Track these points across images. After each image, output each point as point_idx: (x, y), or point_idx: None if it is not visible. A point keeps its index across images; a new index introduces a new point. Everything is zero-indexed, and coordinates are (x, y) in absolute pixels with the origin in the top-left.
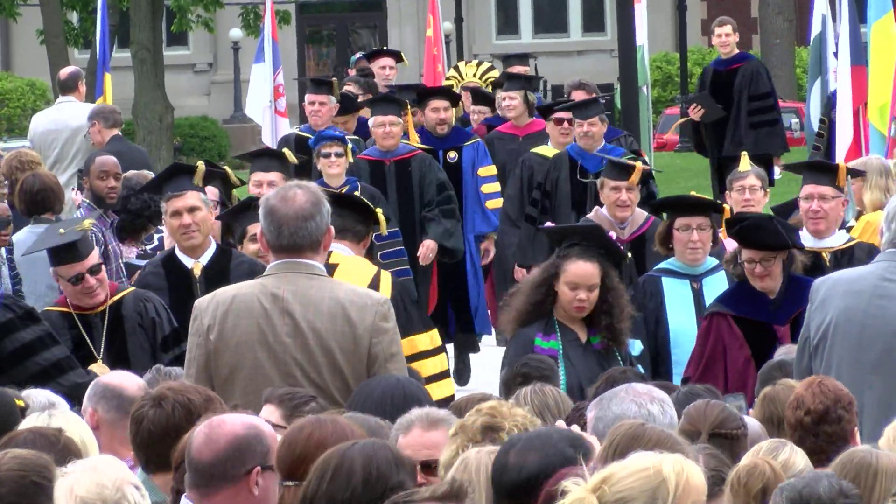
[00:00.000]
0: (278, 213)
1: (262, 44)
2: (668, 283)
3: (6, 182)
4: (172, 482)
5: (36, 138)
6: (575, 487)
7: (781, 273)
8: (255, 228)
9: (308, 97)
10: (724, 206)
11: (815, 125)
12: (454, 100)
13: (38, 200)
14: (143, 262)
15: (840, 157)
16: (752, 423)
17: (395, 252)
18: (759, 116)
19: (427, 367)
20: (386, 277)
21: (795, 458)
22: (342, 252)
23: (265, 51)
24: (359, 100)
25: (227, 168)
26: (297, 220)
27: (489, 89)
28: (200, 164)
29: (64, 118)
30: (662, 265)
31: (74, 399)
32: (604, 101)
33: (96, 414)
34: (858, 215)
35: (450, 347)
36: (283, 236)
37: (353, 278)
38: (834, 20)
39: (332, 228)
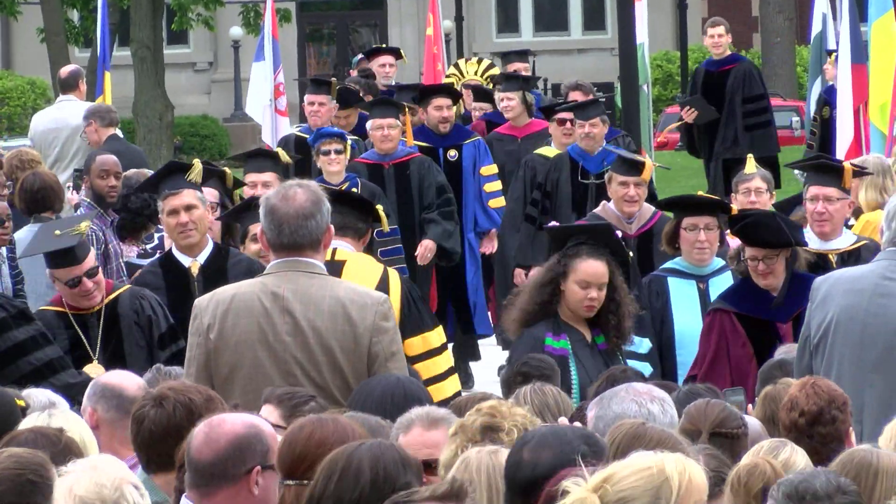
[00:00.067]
0: (279, 211)
1: (262, 42)
2: (674, 283)
3: (9, 182)
4: (175, 482)
5: (36, 137)
6: (576, 487)
7: (784, 270)
8: (257, 228)
9: (307, 97)
10: (732, 206)
11: None
12: (456, 98)
13: (39, 199)
14: (143, 262)
15: (841, 157)
16: (753, 422)
17: (393, 250)
18: (754, 118)
19: (439, 364)
20: (394, 275)
21: (796, 457)
22: (345, 249)
23: (265, 49)
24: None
25: (226, 168)
26: (298, 218)
27: (490, 86)
28: (197, 162)
29: (64, 117)
30: (668, 265)
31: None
32: (603, 99)
33: (96, 413)
34: (856, 213)
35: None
36: (284, 235)
37: (362, 276)
38: (834, 18)
39: (332, 227)
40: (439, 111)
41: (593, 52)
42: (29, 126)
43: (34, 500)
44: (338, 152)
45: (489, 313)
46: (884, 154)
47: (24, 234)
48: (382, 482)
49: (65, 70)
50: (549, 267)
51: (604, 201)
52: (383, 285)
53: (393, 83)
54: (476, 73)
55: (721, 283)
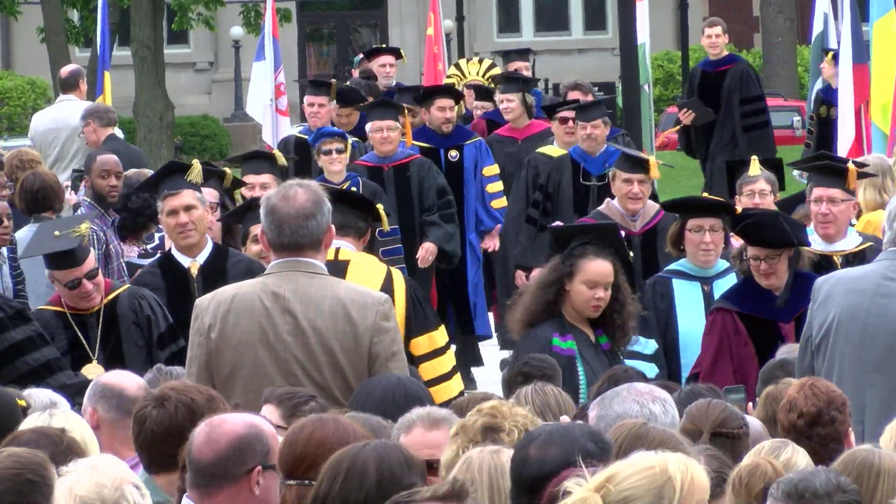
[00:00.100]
0: (279, 211)
1: (262, 42)
2: (678, 284)
3: (9, 182)
4: (178, 482)
5: (36, 137)
6: (577, 487)
7: (787, 270)
8: (258, 229)
9: (307, 99)
10: (736, 208)
11: None
12: (458, 98)
13: (39, 199)
14: (144, 262)
15: (842, 156)
16: (754, 422)
17: (393, 249)
18: (752, 119)
19: (445, 363)
20: (398, 275)
21: (797, 457)
22: (348, 249)
23: (266, 49)
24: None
25: (226, 169)
26: (298, 218)
27: (492, 86)
28: (196, 162)
29: (64, 117)
30: (673, 266)
31: None
32: (604, 98)
33: (96, 413)
34: (857, 213)
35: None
36: (284, 235)
37: (366, 276)
38: (836, 18)
39: (333, 227)
40: (442, 112)
41: (594, 51)
42: (29, 126)
43: (34, 499)
44: (339, 151)
45: (490, 314)
46: (885, 154)
47: (24, 234)
48: (388, 483)
49: (65, 70)
50: (554, 267)
51: (608, 199)
52: (387, 285)
53: (393, 83)
54: (478, 74)
55: (725, 285)
